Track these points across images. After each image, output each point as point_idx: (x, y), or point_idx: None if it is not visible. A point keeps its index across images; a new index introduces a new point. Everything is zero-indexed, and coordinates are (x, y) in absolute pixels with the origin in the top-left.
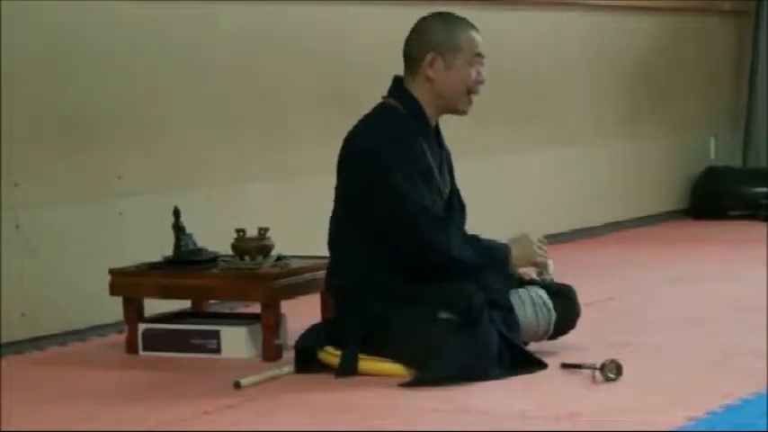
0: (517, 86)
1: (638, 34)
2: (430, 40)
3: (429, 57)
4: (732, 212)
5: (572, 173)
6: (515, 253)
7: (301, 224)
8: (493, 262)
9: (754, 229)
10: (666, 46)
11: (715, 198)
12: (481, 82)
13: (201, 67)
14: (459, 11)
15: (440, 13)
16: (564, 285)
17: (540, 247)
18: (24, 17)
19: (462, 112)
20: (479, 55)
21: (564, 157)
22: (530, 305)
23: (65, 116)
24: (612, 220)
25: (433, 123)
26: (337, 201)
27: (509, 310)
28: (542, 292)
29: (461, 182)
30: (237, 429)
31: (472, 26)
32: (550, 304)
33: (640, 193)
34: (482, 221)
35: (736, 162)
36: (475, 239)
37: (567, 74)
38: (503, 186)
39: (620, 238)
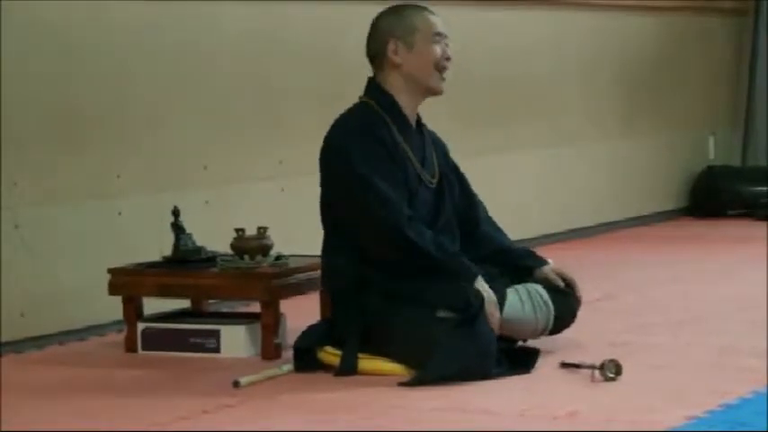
0: (516, 86)
1: (637, 33)
2: (385, 30)
3: (390, 44)
4: (731, 211)
5: (571, 172)
6: (480, 285)
7: (301, 223)
8: (460, 267)
9: (754, 228)
10: (666, 45)
11: (714, 197)
12: (448, 59)
13: (201, 67)
14: (458, 11)
15: (390, 7)
16: (567, 281)
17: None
18: (24, 17)
19: (437, 91)
20: (440, 34)
21: (563, 157)
22: (528, 302)
23: (64, 116)
24: (612, 219)
25: (412, 114)
26: (320, 207)
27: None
28: (540, 289)
29: None
30: (237, 428)
31: (425, 9)
32: (549, 301)
33: (640, 191)
34: None
35: (736, 161)
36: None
37: (565, 73)
38: (501, 186)
39: (619, 237)
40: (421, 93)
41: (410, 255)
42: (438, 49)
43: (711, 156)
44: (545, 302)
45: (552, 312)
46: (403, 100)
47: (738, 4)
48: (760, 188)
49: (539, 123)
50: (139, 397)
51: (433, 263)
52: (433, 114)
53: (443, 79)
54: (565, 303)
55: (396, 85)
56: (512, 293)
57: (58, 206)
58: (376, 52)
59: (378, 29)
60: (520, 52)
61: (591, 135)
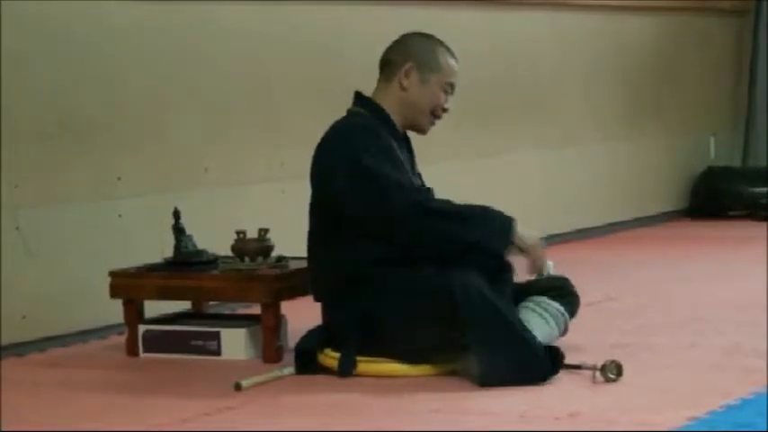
0: (518, 86)
1: (637, 34)
2: (412, 51)
3: (407, 66)
4: (732, 212)
5: (572, 173)
6: (521, 229)
7: (301, 225)
8: (492, 217)
9: (754, 229)
10: (666, 46)
11: (715, 198)
12: (446, 110)
13: (201, 68)
14: (459, 11)
15: (427, 34)
16: (560, 279)
17: (539, 244)
18: (24, 17)
19: (422, 131)
20: (452, 86)
21: (564, 157)
22: (552, 320)
23: (65, 117)
24: (612, 220)
25: (400, 130)
26: (311, 210)
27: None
28: (552, 302)
29: (461, 182)
30: (238, 430)
31: (453, 54)
32: (563, 309)
33: (640, 192)
34: None
35: (736, 162)
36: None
37: (567, 74)
38: (503, 187)
39: (620, 238)
40: (407, 122)
41: (443, 222)
42: (443, 98)
43: (712, 156)
44: (560, 312)
45: (568, 318)
46: (393, 117)
47: (738, 4)
48: (760, 189)
49: (540, 124)
50: (140, 399)
51: (471, 214)
52: None
53: (433, 124)
54: (570, 302)
55: (391, 101)
56: (530, 314)
57: (59, 208)
58: (394, 63)
59: (407, 45)
60: (522, 53)
61: (592, 136)
